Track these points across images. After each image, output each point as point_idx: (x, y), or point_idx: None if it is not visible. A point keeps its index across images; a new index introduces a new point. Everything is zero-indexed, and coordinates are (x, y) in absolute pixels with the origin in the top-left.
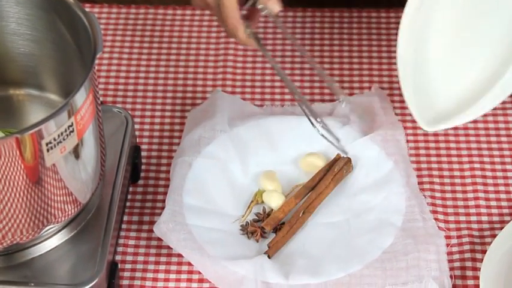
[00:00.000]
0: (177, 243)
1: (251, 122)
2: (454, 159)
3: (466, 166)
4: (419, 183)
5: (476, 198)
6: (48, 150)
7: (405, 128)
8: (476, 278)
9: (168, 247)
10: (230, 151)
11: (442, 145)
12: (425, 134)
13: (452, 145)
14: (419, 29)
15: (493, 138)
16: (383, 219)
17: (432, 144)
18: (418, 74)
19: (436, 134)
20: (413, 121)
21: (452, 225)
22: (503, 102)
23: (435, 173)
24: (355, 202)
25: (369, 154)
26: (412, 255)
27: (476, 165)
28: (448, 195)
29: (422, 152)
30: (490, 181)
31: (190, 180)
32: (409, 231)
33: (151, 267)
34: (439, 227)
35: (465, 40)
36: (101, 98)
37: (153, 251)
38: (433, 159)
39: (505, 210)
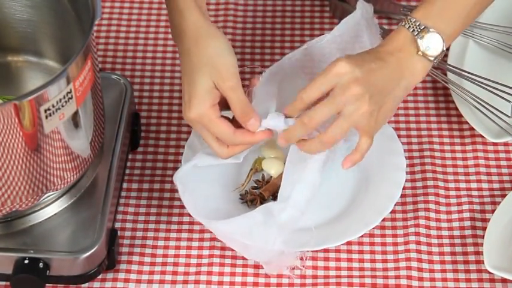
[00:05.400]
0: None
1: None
2: (455, 126)
3: (467, 133)
4: (420, 150)
5: (476, 165)
6: (46, 117)
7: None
8: (476, 245)
9: (168, 214)
10: None
11: (443, 112)
12: (426, 101)
13: (453, 112)
14: None
15: None
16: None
17: (433, 111)
18: None
19: (437, 101)
20: None
21: (452, 193)
22: None
23: (436, 140)
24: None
25: None
26: None
27: (477, 132)
28: (449, 162)
29: (423, 119)
30: (490, 148)
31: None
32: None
33: (150, 234)
34: (438, 193)
35: None
36: (100, 65)
37: (152, 218)
38: (434, 126)
39: (506, 178)
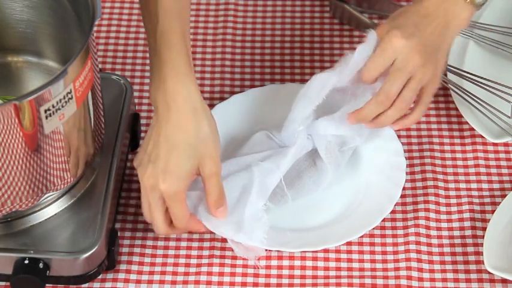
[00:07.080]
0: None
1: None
2: (455, 126)
3: (467, 133)
4: (420, 150)
5: (476, 166)
6: (47, 118)
7: None
8: (476, 245)
9: None
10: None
11: (443, 112)
12: None
13: (453, 112)
14: None
15: None
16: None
17: (433, 111)
18: None
19: (437, 101)
20: None
21: (452, 193)
22: None
23: (436, 140)
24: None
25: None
26: None
27: (477, 133)
28: (449, 162)
29: (423, 119)
30: (490, 148)
31: None
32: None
33: (151, 234)
34: (438, 193)
35: None
36: (100, 65)
37: None
38: (434, 126)
39: (505, 178)
